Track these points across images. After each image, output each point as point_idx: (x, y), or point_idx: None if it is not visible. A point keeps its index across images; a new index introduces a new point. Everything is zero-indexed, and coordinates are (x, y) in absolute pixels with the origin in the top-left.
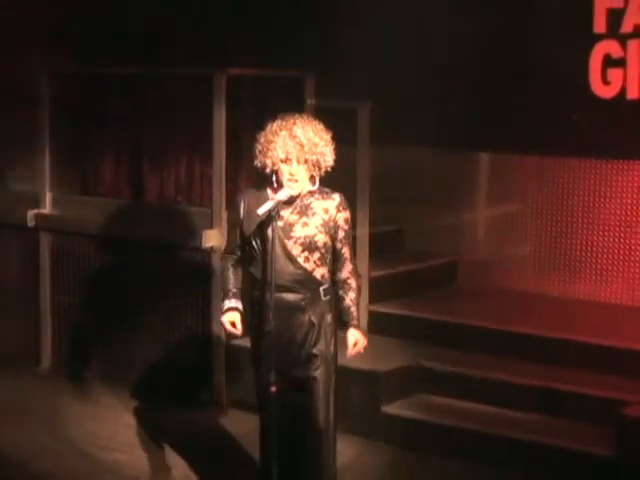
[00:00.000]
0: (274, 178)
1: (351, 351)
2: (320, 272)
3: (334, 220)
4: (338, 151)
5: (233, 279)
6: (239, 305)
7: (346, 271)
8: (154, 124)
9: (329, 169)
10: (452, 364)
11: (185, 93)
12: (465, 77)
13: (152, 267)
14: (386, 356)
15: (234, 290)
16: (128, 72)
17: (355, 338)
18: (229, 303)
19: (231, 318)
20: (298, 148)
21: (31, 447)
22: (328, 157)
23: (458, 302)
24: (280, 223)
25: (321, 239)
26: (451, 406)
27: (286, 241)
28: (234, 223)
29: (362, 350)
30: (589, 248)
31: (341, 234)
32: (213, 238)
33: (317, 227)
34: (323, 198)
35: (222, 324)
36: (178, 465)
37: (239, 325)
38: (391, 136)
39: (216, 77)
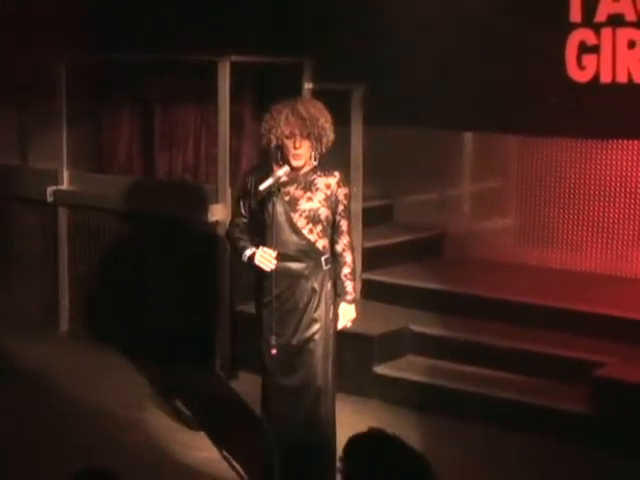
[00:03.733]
0: (279, 156)
1: (341, 323)
2: (322, 243)
3: (335, 195)
4: (334, 131)
5: (244, 240)
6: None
7: (342, 244)
8: (164, 107)
9: (329, 145)
10: (438, 328)
11: (192, 78)
12: (451, 61)
13: (162, 239)
14: (377, 321)
15: (249, 244)
16: (139, 59)
17: (344, 311)
18: (250, 250)
19: (263, 249)
20: (300, 123)
21: (50, 407)
22: (329, 132)
23: (444, 271)
24: (287, 198)
25: (324, 212)
26: (437, 367)
27: (292, 214)
28: (239, 197)
29: (349, 325)
30: (566, 221)
31: (341, 208)
32: (218, 212)
33: (320, 201)
34: (325, 175)
35: (258, 261)
36: (189, 422)
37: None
38: (383, 117)
39: (220, 63)
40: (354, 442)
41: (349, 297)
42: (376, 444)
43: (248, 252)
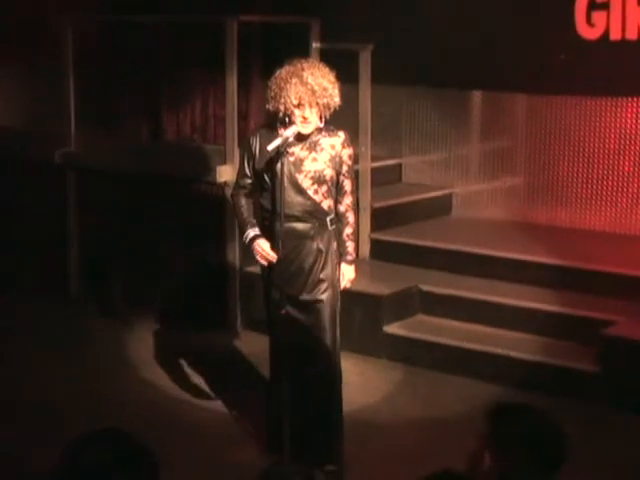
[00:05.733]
0: (287, 119)
1: (342, 283)
2: (327, 203)
3: (339, 155)
4: (342, 90)
5: (247, 210)
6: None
7: (345, 204)
8: (171, 69)
9: (336, 108)
10: (447, 287)
11: (199, 39)
12: (460, 19)
13: (170, 200)
14: (387, 280)
15: (252, 220)
16: (146, 20)
17: (344, 272)
18: (253, 231)
19: (264, 245)
20: (310, 94)
21: (62, 367)
22: (337, 98)
23: (453, 230)
24: (291, 158)
25: (328, 173)
26: (446, 326)
27: (297, 175)
28: (246, 158)
29: (349, 285)
30: (574, 179)
31: (345, 168)
32: (226, 173)
33: (325, 162)
34: (330, 135)
35: (255, 251)
36: (198, 382)
37: (270, 251)
38: (391, 76)
39: (228, 23)
40: (502, 412)
41: (349, 257)
42: (526, 415)
43: (250, 233)
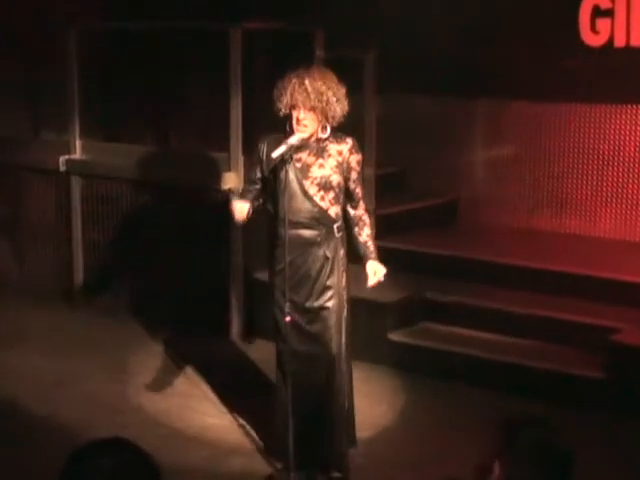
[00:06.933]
0: (289, 124)
1: (372, 281)
2: (334, 210)
3: (347, 162)
4: (347, 100)
5: (244, 196)
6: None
7: (361, 208)
8: (176, 76)
9: (337, 119)
10: (452, 294)
11: (204, 46)
12: (465, 27)
13: (175, 208)
14: (392, 288)
15: (245, 197)
16: (151, 27)
17: (374, 268)
18: (240, 199)
19: (240, 206)
20: (304, 95)
21: (64, 373)
22: (334, 107)
23: (458, 237)
24: (298, 164)
25: (335, 179)
26: (451, 333)
27: (304, 181)
28: (253, 164)
29: (382, 278)
30: (581, 186)
31: (354, 175)
32: (231, 180)
33: (332, 168)
34: (337, 142)
35: (232, 208)
36: (203, 387)
37: (245, 213)
38: (396, 83)
39: (232, 31)
40: (515, 424)
41: (374, 255)
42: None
43: (237, 199)
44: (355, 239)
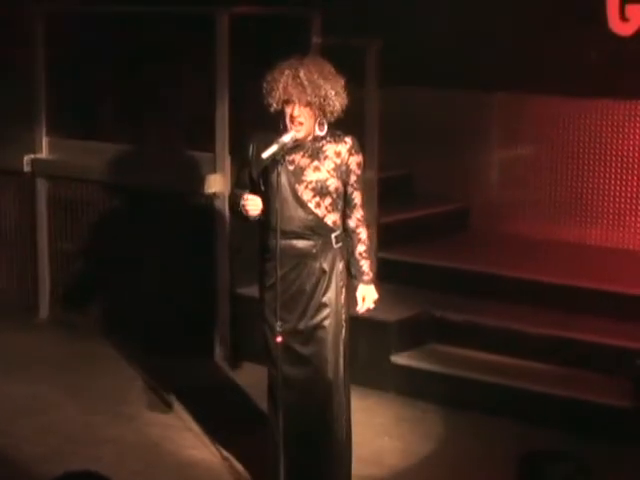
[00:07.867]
0: (282, 121)
1: (360, 308)
2: (332, 218)
3: (346, 164)
4: (348, 95)
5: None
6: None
7: (355, 219)
8: (155, 65)
9: (336, 115)
10: (464, 313)
11: (187, 33)
12: (478, 12)
13: (154, 213)
14: (395, 305)
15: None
16: (127, 11)
17: (364, 293)
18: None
19: (254, 200)
20: (299, 89)
21: (28, 399)
22: (332, 101)
23: (470, 248)
24: (291, 167)
25: (333, 184)
26: (463, 356)
27: (297, 186)
28: (242, 166)
29: (372, 306)
30: (605, 193)
31: (353, 178)
32: (217, 183)
33: (329, 171)
34: (335, 141)
35: (244, 207)
36: (183, 416)
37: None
38: (401, 75)
39: (219, 16)
40: (536, 459)
41: (366, 277)
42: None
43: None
44: (348, 255)
